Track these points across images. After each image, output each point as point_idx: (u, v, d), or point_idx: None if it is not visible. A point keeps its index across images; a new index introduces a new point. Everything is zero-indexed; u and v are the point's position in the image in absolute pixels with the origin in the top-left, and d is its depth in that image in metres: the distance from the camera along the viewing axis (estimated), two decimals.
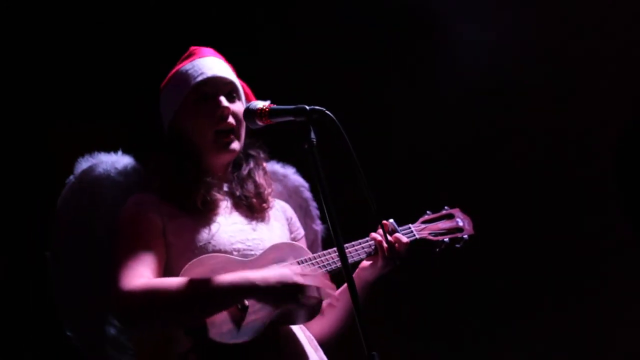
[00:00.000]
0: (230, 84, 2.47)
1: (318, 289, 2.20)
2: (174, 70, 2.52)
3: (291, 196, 2.70)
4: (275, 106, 2.24)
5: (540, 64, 3.82)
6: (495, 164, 3.83)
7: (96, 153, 2.48)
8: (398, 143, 3.86)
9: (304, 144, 2.11)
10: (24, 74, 3.44)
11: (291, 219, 2.61)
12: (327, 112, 2.12)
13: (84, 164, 2.46)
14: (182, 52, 2.58)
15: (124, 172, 2.45)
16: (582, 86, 3.78)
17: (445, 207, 2.75)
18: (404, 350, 3.03)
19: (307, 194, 2.73)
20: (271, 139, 2.56)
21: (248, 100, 2.53)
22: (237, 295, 2.17)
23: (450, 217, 2.73)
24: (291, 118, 2.17)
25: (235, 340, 2.17)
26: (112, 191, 2.43)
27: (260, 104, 2.26)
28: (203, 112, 2.41)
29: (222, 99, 2.43)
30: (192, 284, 2.15)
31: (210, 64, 2.48)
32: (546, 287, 3.78)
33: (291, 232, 2.59)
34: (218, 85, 2.44)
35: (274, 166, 2.69)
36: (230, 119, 2.42)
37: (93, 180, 2.43)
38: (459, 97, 3.85)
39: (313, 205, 2.74)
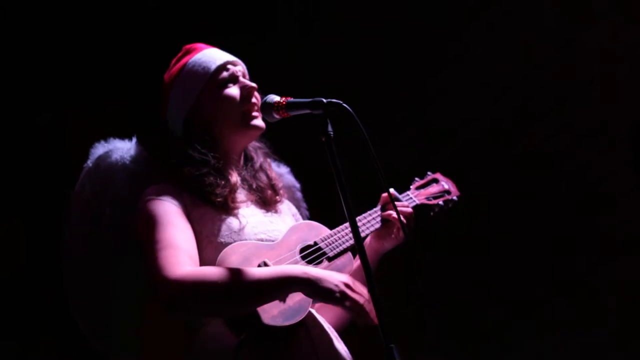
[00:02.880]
0: (244, 67, 2.51)
1: (360, 308, 2.21)
2: (177, 67, 2.50)
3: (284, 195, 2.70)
4: (292, 99, 2.25)
5: (555, 58, 3.79)
6: (502, 159, 3.82)
7: (111, 139, 2.49)
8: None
9: (321, 136, 2.12)
10: (40, 61, 3.47)
11: (296, 214, 2.64)
12: (344, 104, 2.13)
13: (100, 149, 2.47)
14: (197, 39, 2.60)
15: (138, 160, 2.45)
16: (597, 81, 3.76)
17: (429, 173, 2.82)
18: (420, 346, 3.03)
19: (299, 195, 2.76)
20: (266, 138, 2.58)
21: None
22: (290, 286, 2.18)
23: (436, 181, 2.80)
24: (308, 111, 2.18)
25: (287, 322, 2.19)
26: (126, 178, 2.43)
27: (277, 97, 2.27)
28: (228, 94, 2.43)
29: (244, 80, 2.46)
30: (242, 275, 2.15)
31: (220, 52, 2.51)
32: (560, 286, 3.76)
33: None
34: (236, 68, 2.47)
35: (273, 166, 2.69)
36: (254, 99, 2.45)
37: (108, 166, 2.43)
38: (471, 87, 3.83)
39: (303, 206, 2.77)
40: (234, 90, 2.44)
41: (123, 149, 2.46)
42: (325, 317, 2.45)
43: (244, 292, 2.15)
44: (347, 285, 2.19)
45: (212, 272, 2.17)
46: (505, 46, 3.84)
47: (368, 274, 2.00)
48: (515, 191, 3.78)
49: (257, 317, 2.17)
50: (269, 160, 2.60)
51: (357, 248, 2.05)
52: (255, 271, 2.18)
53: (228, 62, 2.47)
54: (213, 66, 2.45)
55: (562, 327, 3.72)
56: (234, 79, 2.46)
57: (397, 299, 2.57)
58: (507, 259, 3.77)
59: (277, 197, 2.52)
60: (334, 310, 2.46)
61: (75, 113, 3.41)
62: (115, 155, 2.44)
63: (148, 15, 3.56)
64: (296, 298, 2.22)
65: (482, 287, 3.80)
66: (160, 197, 2.32)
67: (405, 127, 3.89)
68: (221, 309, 2.21)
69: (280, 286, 2.17)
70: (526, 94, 3.86)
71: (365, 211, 2.55)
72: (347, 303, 2.18)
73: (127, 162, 2.44)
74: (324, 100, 2.15)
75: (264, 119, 2.42)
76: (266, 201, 2.48)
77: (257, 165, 2.52)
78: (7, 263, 3.34)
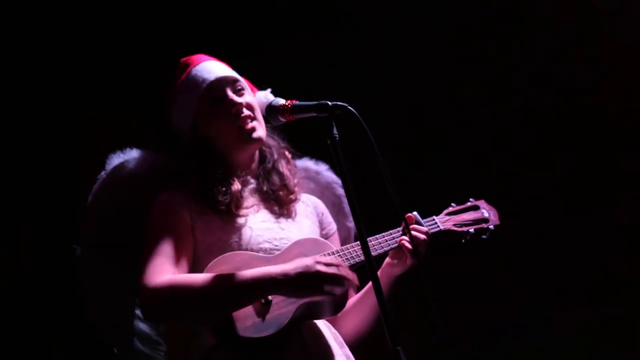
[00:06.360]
0: (234, 79, 2.48)
1: (340, 278, 2.19)
2: (175, 86, 2.51)
3: (324, 193, 2.69)
4: (297, 102, 2.25)
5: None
6: (516, 161, 3.81)
7: (128, 149, 2.49)
8: (426, 134, 3.83)
9: (326, 139, 2.11)
10: (45, 63, 3.47)
11: (322, 214, 2.61)
12: (349, 107, 2.12)
13: (115, 160, 2.47)
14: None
15: (155, 169, 2.46)
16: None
17: (471, 199, 2.73)
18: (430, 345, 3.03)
19: (340, 191, 2.72)
20: (304, 135, 2.55)
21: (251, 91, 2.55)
22: (259, 290, 2.18)
23: (475, 208, 2.70)
24: (314, 114, 2.18)
25: (258, 334, 2.18)
26: (143, 188, 2.43)
27: (282, 101, 2.27)
28: (219, 115, 2.42)
29: (232, 96, 2.44)
30: (214, 280, 2.17)
31: (209, 68, 2.48)
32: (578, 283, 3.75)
33: (323, 229, 2.59)
34: (223, 85, 2.45)
35: (307, 163, 2.69)
36: (245, 112, 2.43)
37: (124, 176, 2.44)
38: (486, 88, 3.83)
39: (346, 202, 2.71)
40: (223, 110, 2.43)
41: (139, 158, 2.47)
42: (343, 326, 2.45)
43: (215, 296, 2.16)
44: (316, 272, 2.15)
45: (186, 279, 2.19)
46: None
47: (377, 289, 1.97)
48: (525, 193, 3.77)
49: (232, 326, 2.18)
50: (287, 154, 2.57)
51: (366, 260, 2.02)
52: (229, 276, 2.17)
53: (215, 80, 2.44)
54: (201, 88, 2.43)
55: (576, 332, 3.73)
56: (222, 98, 2.44)
57: (404, 300, 2.55)
58: (516, 261, 3.77)
59: (292, 196, 2.49)
60: (353, 320, 2.46)
61: (83, 115, 3.41)
62: (131, 166, 2.45)
63: (147, 15, 3.55)
64: (275, 312, 2.22)
65: (490, 288, 3.81)
66: (166, 206, 2.35)
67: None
68: (194, 314, 2.21)
69: (250, 291, 2.17)
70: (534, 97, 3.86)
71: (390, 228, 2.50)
72: (326, 287, 2.17)
73: (144, 171, 2.45)
74: (329, 103, 2.14)
75: (268, 122, 2.42)
76: (280, 202, 2.47)
77: (269, 165, 2.50)
78: (16, 267, 3.34)
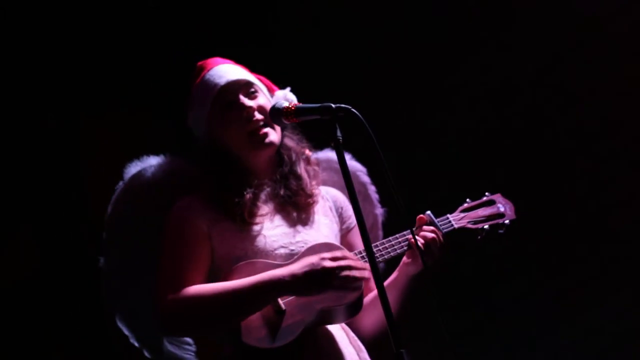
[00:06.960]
0: (246, 82, 2.46)
1: (350, 268, 2.20)
2: (191, 91, 2.51)
3: None
4: (301, 105, 2.24)
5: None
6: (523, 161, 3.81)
7: (145, 157, 2.49)
8: (440, 131, 3.84)
9: (330, 141, 2.11)
10: (47, 64, 3.47)
11: (342, 208, 2.58)
12: (352, 109, 2.11)
13: (132, 169, 2.47)
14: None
15: (172, 175, 2.46)
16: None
17: (486, 194, 2.66)
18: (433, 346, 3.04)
19: (365, 178, 2.69)
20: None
21: (270, 91, 2.54)
22: (268, 293, 2.20)
23: (491, 203, 2.64)
24: (317, 116, 2.17)
25: (271, 345, 2.20)
26: (161, 195, 2.43)
27: (285, 103, 2.26)
28: (230, 119, 2.41)
29: (244, 99, 2.42)
30: (225, 289, 2.20)
31: (221, 72, 2.46)
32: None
33: (343, 223, 2.57)
34: (235, 88, 2.43)
35: (329, 154, 2.65)
36: (257, 115, 2.41)
37: (142, 185, 2.44)
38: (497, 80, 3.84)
39: (372, 189, 2.70)
40: (234, 115, 2.41)
41: (156, 165, 2.46)
42: (363, 322, 2.44)
43: (226, 304, 2.19)
44: (323, 268, 2.17)
45: (198, 291, 2.22)
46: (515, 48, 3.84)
47: (381, 293, 1.97)
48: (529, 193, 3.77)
49: (247, 336, 2.19)
50: (307, 153, 2.54)
51: (370, 265, 2.02)
52: (237, 284, 2.20)
53: (226, 84, 2.43)
54: (213, 92, 2.42)
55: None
56: (233, 102, 2.42)
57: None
58: (516, 261, 3.78)
59: (310, 200, 2.47)
60: (371, 317, 2.44)
61: (84, 115, 3.40)
62: (148, 174, 2.45)
63: (147, 15, 3.54)
64: (289, 322, 2.23)
65: (490, 288, 3.81)
66: (182, 213, 2.36)
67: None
68: (206, 324, 2.26)
69: (259, 295, 2.19)
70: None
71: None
72: (336, 282, 2.18)
73: (162, 178, 2.45)
74: (333, 106, 2.13)
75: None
76: (298, 206, 2.45)
77: (287, 169, 2.47)
78: (15, 267, 3.34)
